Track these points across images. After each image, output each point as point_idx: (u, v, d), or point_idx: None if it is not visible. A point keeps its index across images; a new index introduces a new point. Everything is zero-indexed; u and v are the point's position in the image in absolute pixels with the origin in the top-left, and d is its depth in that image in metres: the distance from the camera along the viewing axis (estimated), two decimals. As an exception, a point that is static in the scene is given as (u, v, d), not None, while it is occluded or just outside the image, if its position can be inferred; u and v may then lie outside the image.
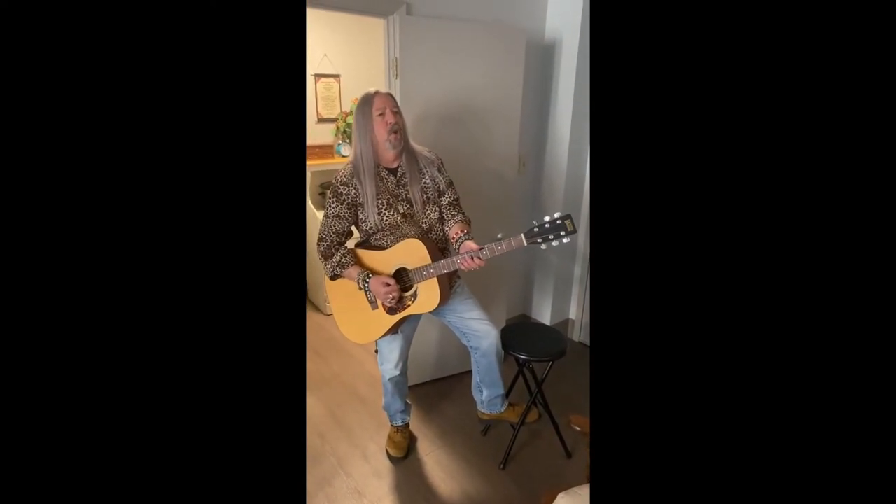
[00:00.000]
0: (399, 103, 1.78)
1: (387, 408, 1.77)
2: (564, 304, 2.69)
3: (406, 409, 1.80)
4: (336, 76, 2.97)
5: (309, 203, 2.75)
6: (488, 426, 1.89)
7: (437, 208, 1.49)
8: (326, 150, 2.92)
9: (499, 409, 1.75)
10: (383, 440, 1.82)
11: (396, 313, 1.45)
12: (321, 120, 2.98)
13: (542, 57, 2.33)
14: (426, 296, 1.40)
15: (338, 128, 2.91)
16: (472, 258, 1.30)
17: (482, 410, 1.78)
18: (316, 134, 2.95)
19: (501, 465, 1.71)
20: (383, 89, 1.41)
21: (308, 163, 2.74)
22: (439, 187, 1.49)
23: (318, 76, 2.90)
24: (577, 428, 1.25)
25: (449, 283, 1.50)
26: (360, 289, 1.44)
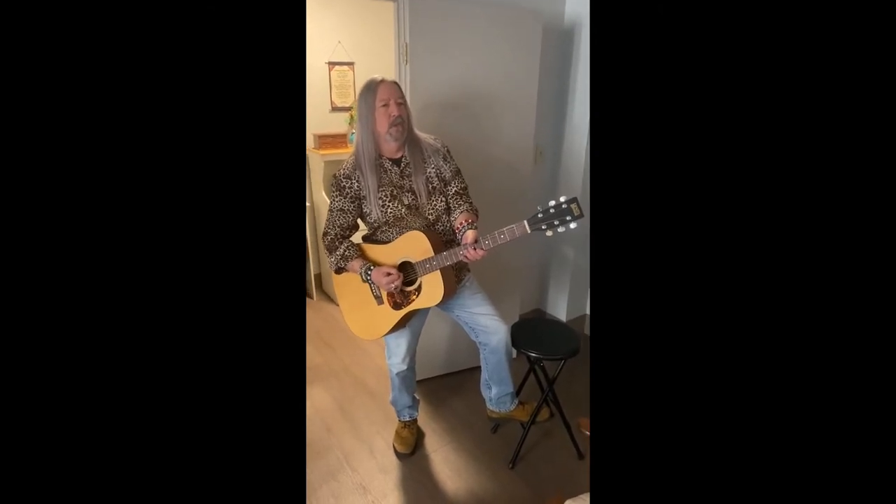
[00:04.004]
0: (408, 90, 1.74)
1: (394, 402, 1.74)
2: (581, 298, 2.61)
3: (414, 405, 1.77)
4: (350, 64, 2.92)
5: (322, 193, 2.73)
6: (498, 424, 1.84)
7: (444, 199, 1.43)
8: (340, 140, 2.88)
9: (508, 407, 1.70)
10: (390, 435, 1.79)
11: (401, 308, 1.41)
12: (335, 109, 2.94)
13: (561, 42, 2.24)
14: (430, 289, 1.36)
15: (352, 116, 2.87)
16: (473, 249, 1.24)
17: (491, 408, 1.74)
18: (330, 123, 2.91)
19: (510, 465, 1.67)
20: (389, 77, 1.35)
21: (321, 152, 2.71)
22: (444, 177, 1.43)
23: (331, 64, 2.85)
24: (587, 432, 1.19)
25: (456, 277, 1.45)
26: (364, 281, 1.40)
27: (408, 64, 1.72)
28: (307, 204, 2.83)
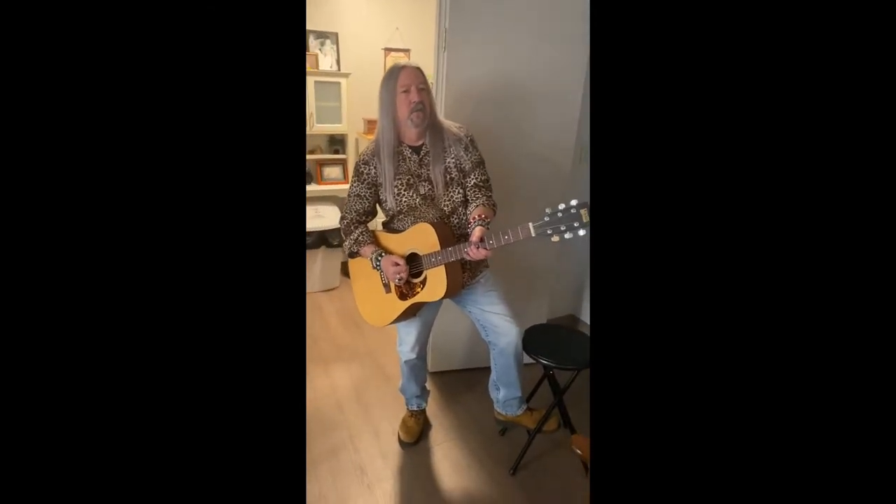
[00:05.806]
0: (445, 79, 1.70)
1: (402, 390, 1.75)
2: (620, 308, 2.46)
3: (422, 395, 1.77)
4: (406, 51, 2.93)
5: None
6: (506, 427, 1.79)
7: (462, 190, 1.39)
8: (390, 126, 2.91)
9: (515, 411, 1.65)
10: (398, 422, 1.81)
11: (407, 299, 1.40)
12: (388, 95, 2.96)
13: (621, 33, 2.08)
14: (433, 284, 1.33)
15: (403, 103, 2.89)
16: (476, 247, 1.20)
17: (498, 410, 1.70)
18: (382, 108, 2.95)
19: (511, 471, 1.62)
20: (413, 63, 1.33)
21: (370, 137, 2.74)
22: (464, 167, 1.38)
23: (387, 50, 2.88)
24: (578, 451, 1.12)
25: (469, 273, 1.41)
26: (374, 267, 1.41)
27: (446, 51, 1.68)
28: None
